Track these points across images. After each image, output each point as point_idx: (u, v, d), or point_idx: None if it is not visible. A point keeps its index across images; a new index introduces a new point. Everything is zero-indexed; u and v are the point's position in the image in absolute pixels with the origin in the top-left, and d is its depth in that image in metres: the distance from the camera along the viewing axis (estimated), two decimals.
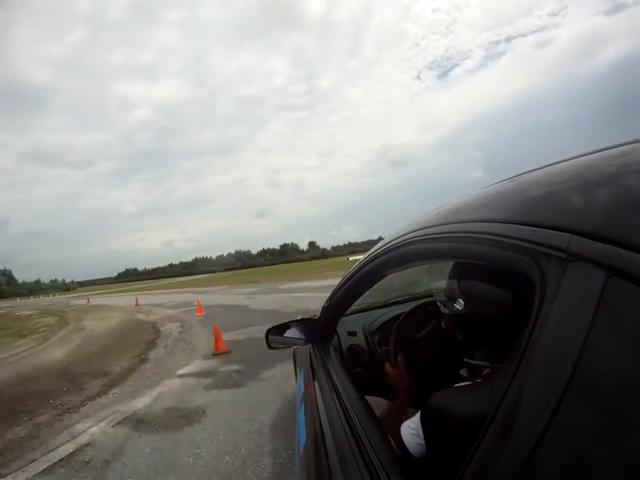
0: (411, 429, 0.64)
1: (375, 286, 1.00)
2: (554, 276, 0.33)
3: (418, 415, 0.64)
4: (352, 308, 1.29)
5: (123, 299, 18.51)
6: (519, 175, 0.55)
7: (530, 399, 0.31)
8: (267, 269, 70.31)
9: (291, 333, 1.33)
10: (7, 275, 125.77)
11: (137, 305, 13.59)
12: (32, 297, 71.69)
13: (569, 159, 0.47)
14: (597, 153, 0.43)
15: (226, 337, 5.02)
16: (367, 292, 1.06)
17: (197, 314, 8.20)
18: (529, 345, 0.33)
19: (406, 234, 0.67)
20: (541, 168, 0.50)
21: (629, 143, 0.41)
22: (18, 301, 55.01)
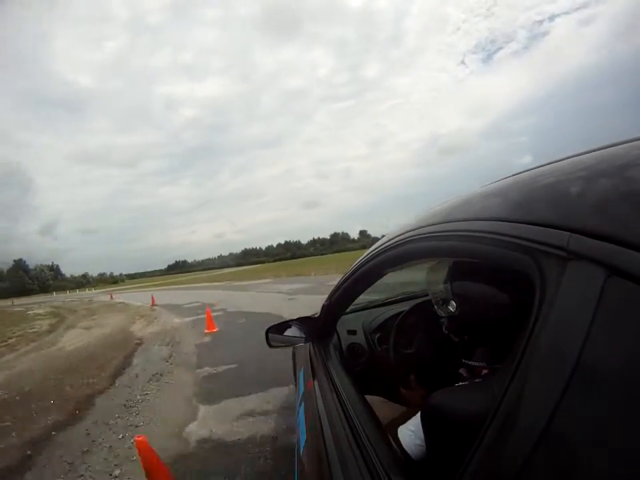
0: (409, 431, 0.64)
1: (375, 284, 0.99)
2: (553, 274, 0.33)
3: (416, 417, 0.64)
4: (352, 306, 1.30)
5: (149, 295, 15.47)
6: (518, 173, 0.55)
7: (530, 398, 0.31)
8: (317, 258, 67.59)
9: (291, 331, 1.34)
10: (54, 270, 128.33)
11: (152, 305, 12.05)
12: (68, 291, 69.92)
13: (569, 157, 0.47)
14: (597, 151, 0.43)
15: (210, 424, 2.49)
16: (367, 290, 1.06)
17: (206, 330, 5.96)
18: (529, 343, 0.33)
19: (405, 232, 0.68)
20: (541, 166, 0.50)
21: (629, 141, 0.41)
22: (53, 295, 53.97)
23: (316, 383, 1.04)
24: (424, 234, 0.60)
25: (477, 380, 0.66)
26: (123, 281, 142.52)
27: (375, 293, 1.68)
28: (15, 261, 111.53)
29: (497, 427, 0.33)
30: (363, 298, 1.42)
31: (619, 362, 0.25)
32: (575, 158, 0.45)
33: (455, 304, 0.68)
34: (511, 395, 0.33)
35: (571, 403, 0.27)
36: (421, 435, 0.60)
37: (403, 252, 0.68)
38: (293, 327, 1.35)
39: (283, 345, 1.38)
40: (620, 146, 0.41)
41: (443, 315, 0.73)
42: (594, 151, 0.44)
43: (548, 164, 0.49)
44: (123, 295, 22.40)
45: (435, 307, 0.76)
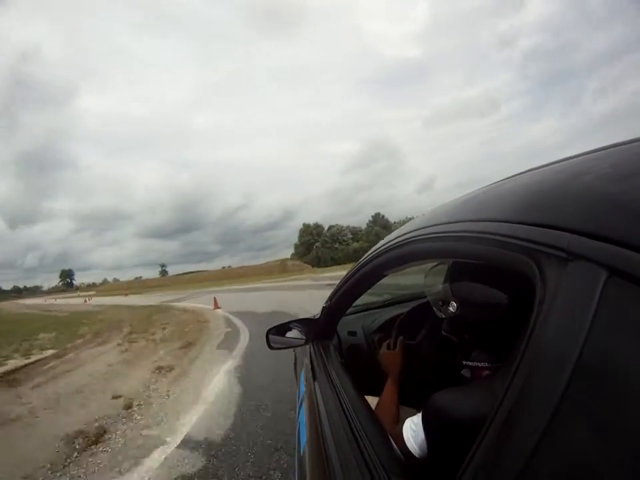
0: (412, 430, 0.64)
1: (376, 285, 1.00)
2: (554, 275, 0.33)
3: (420, 413, 0.63)
4: (352, 308, 1.30)
5: None
6: (519, 174, 0.55)
7: (530, 399, 0.31)
8: None
9: (292, 333, 1.34)
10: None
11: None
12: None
13: (569, 158, 0.47)
14: (596, 152, 0.43)
15: None
16: (367, 292, 1.06)
17: None
18: (529, 344, 0.33)
19: (406, 233, 0.68)
20: (541, 167, 0.50)
21: (628, 142, 0.41)
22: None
23: (317, 383, 1.04)
24: (424, 235, 0.61)
25: (478, 380, 0.66)
26: None
27: (375, 294, 1.69)
28: (372, 216, 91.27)
29: (498, 428, 0.33)
30: (363, 299, 1.43)
31: (619, 363, 0.26)
32: (575, 159, 0.45)
33: (455, 304, 0.69)
34: (512, 396, 0.33)
35: (572, 404, 0.27)
36: (422, 433, 0.60)
37: (403, 253, 0.68)
38: (293, 328, 1.35)
39: (284, 346, 1.38)
40: (620, 147, 0.41)
41: (443, 316, 0.74)
42: (594, 152, 0.44)
43: (548, 165, 0.49)
44: None
45: (434, 308, 0.77)
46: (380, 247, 0.80)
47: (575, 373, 0.27)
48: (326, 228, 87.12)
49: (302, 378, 1.32)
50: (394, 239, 0.72)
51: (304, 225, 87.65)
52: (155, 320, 9.74)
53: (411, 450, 0.63)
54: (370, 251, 0.90)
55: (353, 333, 1.46)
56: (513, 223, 0.41)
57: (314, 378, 1.09)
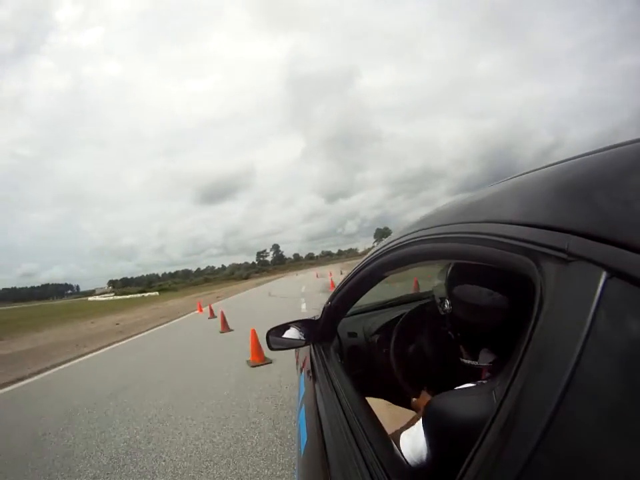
0: (409, 438, 0.62)
1: (376, 287, 1.00)
2: (554, 276, 0.33)
3: (415, 425, 0.62)
4: (352, 309, 1.30)
5: None
6: (519, 175, 0.55)
7: (530, 400, 0.31)
8: None
9: (292, 334, 1.34)
10: None
11: None
12: None
13: (569, 159, 0.47)
14: (597, 154, 0.43)
15: None
16: (368, 293, 1.06)
17: None
18: (529, 345, 0.33)
19: (406, 235, 0.68)
20: (541, 168, 0.50)
21: (629, 143, 0.41)
22: None
23: (317, 385, 1.04)
24: (425, 236, 0.61)
25: (479, 381, 0.66)
26: None
27: (375, 295, 1.69)
28: None
29: (498, 430, 0.33)
30: (364, 300, 1.43)
31: (619, 364, 0.26)
32: (576, 160, 0.45)
33: (448, 302, 0.71)
34: (512, 397, 0.33)
35: (572, 405, 0.27)
36: (420, 440, 0.59)
37: (403, 254, 0.68)
38: (294, 329, 1.35)
39: (284, 347, 1.38)
40: (621, 147, 0.41)
41: (442, 312, 0.76)
42: (595, 152, 0.44)
43: (549, 166, 0.49)
44: None
45: (438, 306, 0.79)
46: (380, 249, 0.80)
47: (575, 373, 0.27)
48: None
49: (302, 379, 1.32)
50: (394, 241, 0.72)
51: None
52: None
53: (410, 463, 0.61)
54: (371, 252, 0.90)
55: (353, 334, 1.46)
56: (513, 224, 0.41)
57: (314, 379, 1.09)
